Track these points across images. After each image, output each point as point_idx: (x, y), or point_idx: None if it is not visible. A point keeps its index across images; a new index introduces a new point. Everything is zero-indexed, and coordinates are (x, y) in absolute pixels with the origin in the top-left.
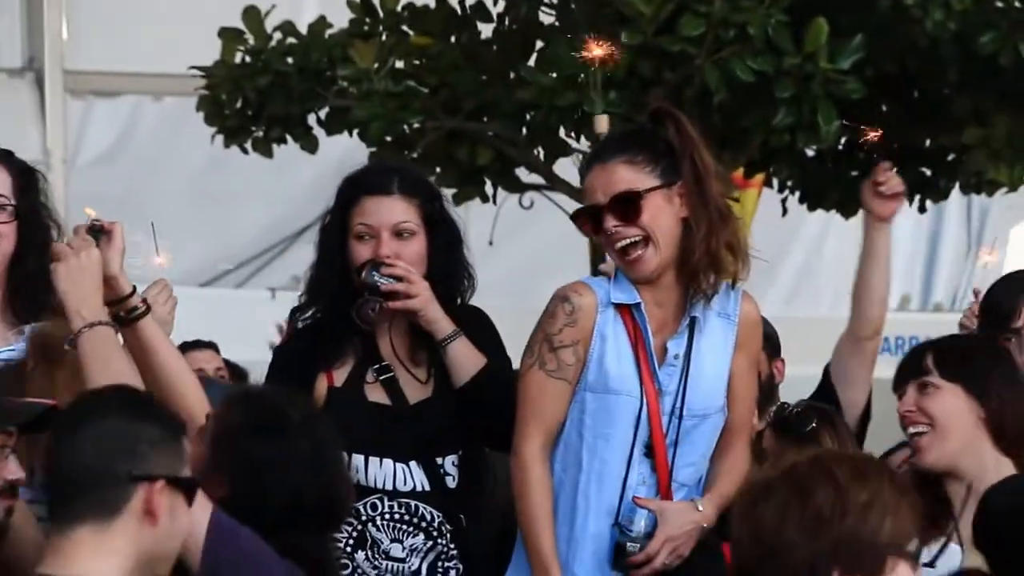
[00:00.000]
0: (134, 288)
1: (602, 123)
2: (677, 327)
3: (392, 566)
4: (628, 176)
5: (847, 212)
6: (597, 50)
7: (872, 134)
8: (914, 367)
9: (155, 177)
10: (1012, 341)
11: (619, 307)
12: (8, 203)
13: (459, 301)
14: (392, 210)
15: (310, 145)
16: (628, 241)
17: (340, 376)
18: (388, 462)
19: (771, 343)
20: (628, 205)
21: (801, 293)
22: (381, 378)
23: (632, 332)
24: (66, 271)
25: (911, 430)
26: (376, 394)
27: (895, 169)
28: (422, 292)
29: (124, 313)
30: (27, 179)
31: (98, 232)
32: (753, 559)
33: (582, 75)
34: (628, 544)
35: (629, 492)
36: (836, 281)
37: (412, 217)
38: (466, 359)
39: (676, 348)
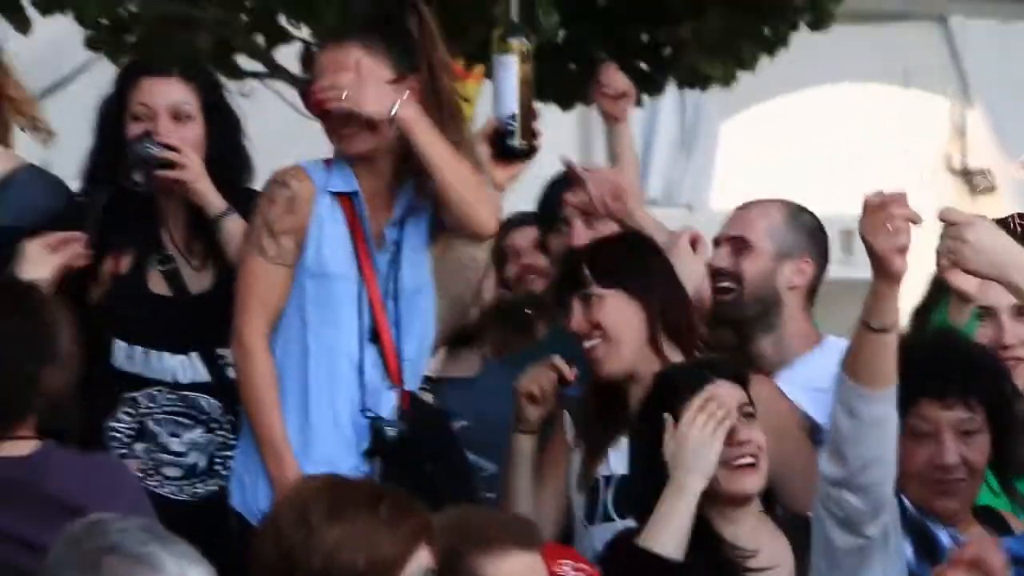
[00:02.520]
0: None
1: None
2: (391, 214)
3: (171, 459)
4: (366, 64)
5: (564, 105)
6: None
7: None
8: (572, 279)
9: None
10: None
11: (337, 195)
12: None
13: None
14: (170, 91)
15: (22, 26)
16: (349, 128)
17: (124, 264)
18: (168, 354)
19: None
20: None
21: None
22: (162, 268)
23: (350, 219)
24: None
25: (586, 344)
26: (158, 285)
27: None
28: (192, 166)
29: None
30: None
31: None
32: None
33: None
34: (386, 428)
35: (366, 376)
36: (551, 171)
37: (191, 100)
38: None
39: (392, 235)
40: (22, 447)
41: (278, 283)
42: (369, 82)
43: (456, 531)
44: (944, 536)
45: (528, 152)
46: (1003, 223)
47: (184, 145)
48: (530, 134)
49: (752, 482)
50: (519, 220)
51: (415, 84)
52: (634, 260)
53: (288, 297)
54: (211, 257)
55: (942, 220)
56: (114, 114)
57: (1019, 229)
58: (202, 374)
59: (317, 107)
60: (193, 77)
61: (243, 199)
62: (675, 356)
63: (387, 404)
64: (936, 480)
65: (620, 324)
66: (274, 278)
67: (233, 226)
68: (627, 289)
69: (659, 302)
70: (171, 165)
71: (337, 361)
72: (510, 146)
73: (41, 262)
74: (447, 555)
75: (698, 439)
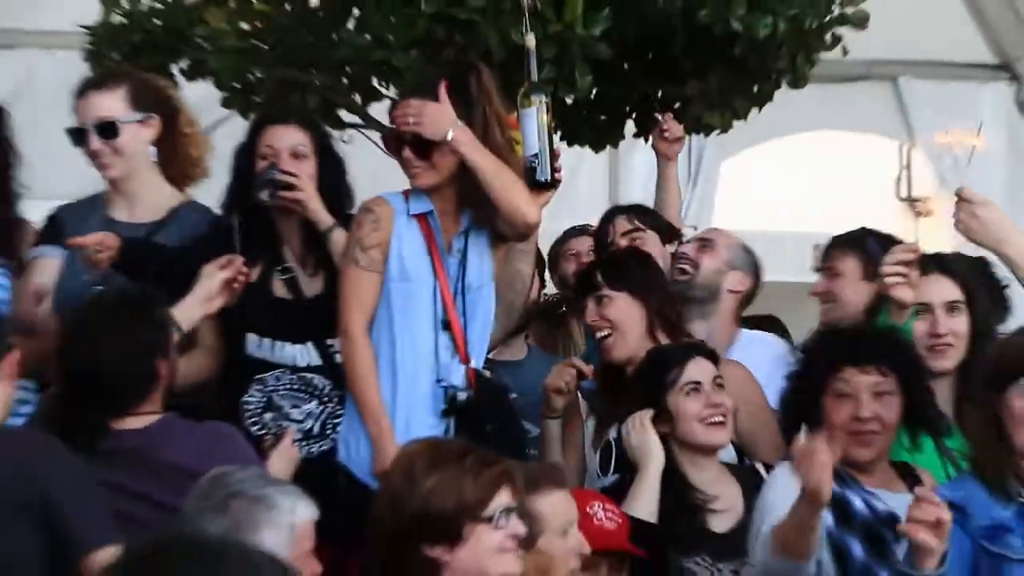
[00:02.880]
0: None
1: (530, 41)
2: (458, 228)
3: (292, 426)
4: None
5: (596, 148)
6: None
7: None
8: (588, 284)
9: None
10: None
11: (416, 216)
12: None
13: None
14: (290, 135)
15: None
16: (416, 167)
17: (254, 274)
18: (289, 344)
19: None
20: (424, 143)
21: (558, 213)
22: (283, 277)
23: (427, 233)
24: None
25: (598, 335)
26: (280, 290)
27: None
28: (307, 188)
29: None
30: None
31: None
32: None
33: (390, 36)
34: (458, 394)
35: (440, 356)
36: (590, 202)
37: (306, 142)
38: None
39: (458, 244)
40: (143, 420)
41: (371, 286)
42: (429, 110)
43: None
44: (857, 500)
45: (552, 183)
46: None
47: (299, 173)
48: (552, 169)
49: (720, 436)
50: (579, 230)
51: (477, 130)
52: (636, 268)
53: (379, 297)
54: (322, 267)
55: (960, 197)
56: (246, 155)
57: None
58: (316, 359)
59: (394, 149)
60: (308, 125)
61: (346, 223)
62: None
63: (457, 377)
64: (854, 431)
65: (626, 319)
66: (367, 283)
67: (339, 238)
68: (631, 291)
69: (656, 301)
70: (291, 187)
71: (418, 345)
72: (536, 179)
73: (214, 276)
74: None
75: (639, 437)
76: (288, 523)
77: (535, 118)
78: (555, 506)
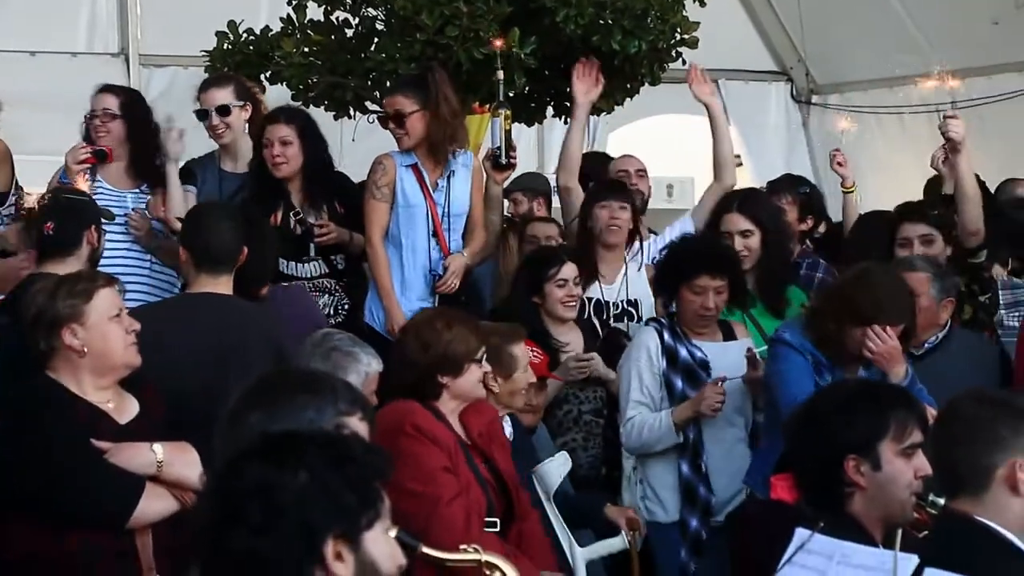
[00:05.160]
0: None
1: (499, 75)
2: (442, 172)
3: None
4: (401, 101)
5: (529, 124)
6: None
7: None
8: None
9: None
10: None
11: (410, 166)
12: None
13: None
14: (279, 130)
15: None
16: (398, 134)
17: (278, 217)
18: (304, 264)
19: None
20: (400, 118)
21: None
22: (297, 218)
23: (418, 176)
24: None
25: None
26: (296, 227)
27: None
28: (333, 231)
29: None
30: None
31: None
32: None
33: (397, 56)
34: (439, 278)
35: (431, 256)
36: (524, 160)
37: (291, 133)
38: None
39: (442, 183)
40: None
41: (384, 211)
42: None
43: (491, 332)
44: (683, 350)
45: (510, 165)
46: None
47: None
48: (509, 156)
49: (571, 313)
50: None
51: (431, 110)
52: None
53: (390, 218)
54: (321, 209)
55: (947, 117)
56: (258, 141)
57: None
58: (325, 270)
59: (385, 125)
60: (293, 119)
61: (336, 180)
62: None
63: (441, 269)
64: (701, 316)
65: None
66: (381, 209)
67: (358, 240)
68: None
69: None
70: (324, 234)
71: (417, 249)
72: (500, 162)
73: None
74: (490, 345)
75: None
76: (364, 371)
77: (500, 124)
78: (522, 350)
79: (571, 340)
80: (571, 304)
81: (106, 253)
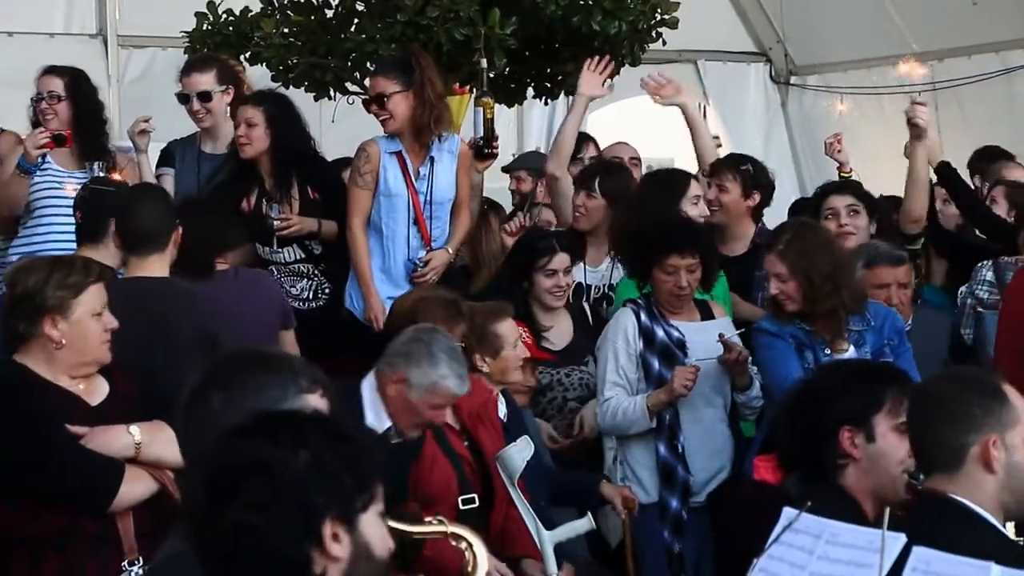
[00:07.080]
0: None
1: (483, 64)
2: (423, 160)
3: (295, 293)
4: (384, 83)
5: (509, 105)
6: None
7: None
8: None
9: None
10: None
11: (393, 153)
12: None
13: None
14: (246, 112)
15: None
16: (382, 116)
17: (251, 201)
18: (280, 249)
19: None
20: (382, 100)
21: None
22: (267, 203)
23: (401, 164)
24: None
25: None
26: (271, 214)
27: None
28: (296, 223)
29: None
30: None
31: None
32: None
33: (377, 36)
34: (418, 267)
35: (411, 245)
36: (504, 141)
37: (258, 115)
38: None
39: (424, 170)
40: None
41: (366, 198)
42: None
43: (475, 312)
44: (660, 330)
45: (492, 155)
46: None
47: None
48: (492, 145)
49: (558, 303)
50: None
51: (415, 92)
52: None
53: (372, 206)
54: (297, 200)
55: (915, 103)
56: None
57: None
58: (300, 255)
59: (368, 108)
60: (261, 103)
61: (311, 164)
62: None
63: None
64: (675, 295)
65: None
66: (363, 197)
67: (328, 227)
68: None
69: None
70: (286, 226)
71: (397, 237)
72: (483, 151)
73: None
74: (474, 325)
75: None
76: (432, 380)
77: (483, 115)
78: (508, 328)
79: (555, 324)
80: (559, 294)
81: (61, 235)
